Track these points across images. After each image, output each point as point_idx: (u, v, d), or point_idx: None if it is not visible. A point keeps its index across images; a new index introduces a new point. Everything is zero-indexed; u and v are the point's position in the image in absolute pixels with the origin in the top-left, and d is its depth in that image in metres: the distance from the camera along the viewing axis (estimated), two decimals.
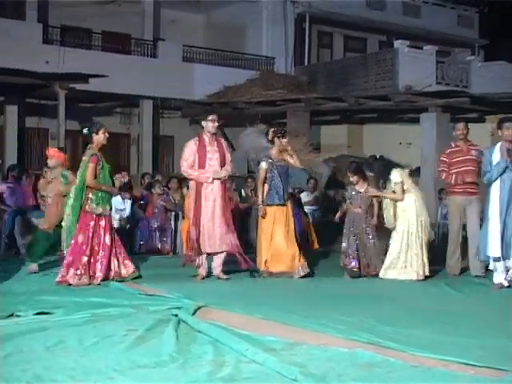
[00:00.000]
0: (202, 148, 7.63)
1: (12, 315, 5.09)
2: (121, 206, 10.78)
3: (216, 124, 7.78)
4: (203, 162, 7.57)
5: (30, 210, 10.19)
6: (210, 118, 7.77)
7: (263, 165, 8.15)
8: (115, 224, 10.68)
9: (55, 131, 16.33)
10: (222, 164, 7.67)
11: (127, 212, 10.81)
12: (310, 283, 7.44)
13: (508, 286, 7.06)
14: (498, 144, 7.23)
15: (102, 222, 7.14)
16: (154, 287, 6.65)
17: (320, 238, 11.17)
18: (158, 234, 11.03)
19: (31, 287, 6.69)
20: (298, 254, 7.97)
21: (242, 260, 7.65)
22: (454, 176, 8.19)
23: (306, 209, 12.01)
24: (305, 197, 12.43)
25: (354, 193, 8.37)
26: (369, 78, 19.34)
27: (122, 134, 19.78)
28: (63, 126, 15.61)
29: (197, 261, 7.61)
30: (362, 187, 8.34)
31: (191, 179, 7.70)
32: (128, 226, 10.76)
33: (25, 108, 17.17)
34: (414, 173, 13.76)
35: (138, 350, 4.09)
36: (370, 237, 8.19)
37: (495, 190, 7.10)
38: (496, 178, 7.07)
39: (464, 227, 8.40)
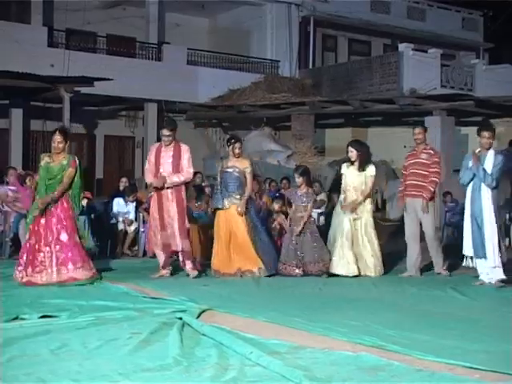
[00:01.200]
0: (159, 153, 7.94)
1: (16, 318, 5.10)
2: (124, 208, 10.81)
3: (170, 138, 7.97)
4: (158, 167, 7.89)
5: None
6: (163, 132, 8.08)
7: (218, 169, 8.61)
8: (120, 226, 10.75)
9: None
10: (176, 171, 7.87)
11: (131, 215, 10.84)
12: (315, 286, 7.43)
13: (489, 283, 7.59)
14: (477, 150, 7.72)
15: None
16: (158, 290, 6.64)
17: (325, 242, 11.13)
18: None
19: (36, 290, 6.69)
20: (253, 257, 8.14)
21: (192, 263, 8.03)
22: (406, 177, 8.58)
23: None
24: None
25: (298, 197, 8.52)
26: (373, 81, 19.33)
27: (126, 137, 19.84)
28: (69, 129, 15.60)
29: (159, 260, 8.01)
30: (303, 191, 8.50)
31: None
32: (133, 229, 10.78)
33: (30, 111, 17.23)
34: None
35: (142, 353, 4.09)
36: (309, 236, 8.34)
37: (468, 194, 7.75)
38: (468, 182, 7.69)
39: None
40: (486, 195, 7.58)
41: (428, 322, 5.30)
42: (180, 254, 8.04)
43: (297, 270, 8.29)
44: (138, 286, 7.04)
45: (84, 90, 15.59)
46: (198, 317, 5.19)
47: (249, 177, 8.36)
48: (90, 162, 19.07)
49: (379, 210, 14.76)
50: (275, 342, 4.36)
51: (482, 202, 7.58)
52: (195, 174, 12.01)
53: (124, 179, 11.83)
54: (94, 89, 15.57)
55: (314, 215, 12.08)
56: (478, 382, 3.59)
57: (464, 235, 7.80)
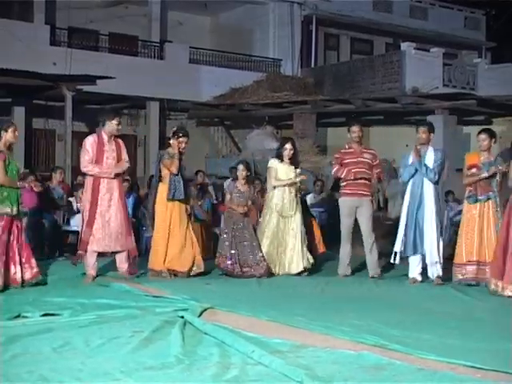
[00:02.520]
0: (101, 146, 7.49)
1: (19, 316, 5.11)
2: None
3: (120, 127, 7.63)
4: (101, 160, 7.43)
5: (36, 212, 10.19)
6: (115, 121, 7.54)
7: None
8: None
9: (62, 132, 16.40)
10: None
11: (129, 211, 10.78)
12: (316, 286, 7.43)
13: (421, 281, 7.68)
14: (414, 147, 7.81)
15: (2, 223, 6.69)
16: (160, 289, 6.64)
17: (326, 241, 11.13)
18: None
19: (38, 288, 6.70)
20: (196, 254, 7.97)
21: (128, 265, 7.56)
22: (344, 173, 8.27)
23: (313, 211, 11.97)
24: (311, 199, 12.41)
25: (237, 193, 8.35)
26: (375, 80, 19.32)
27: (128, 135, 19.80)
28: (70, 128, 15.65)
29: (88, 261, 7.40)
30: (244, 187, 8.38)
31: (91, 175, 7.45)
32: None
33: (32, 109, 17.25)
34: None
35: (144, 351, 4.09)
36: (247, 236, 8.19)
37: (407, 191, 7.78)
38: (408, 179, 7.73)
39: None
40: (428, 191, 7.63)
41: (430, 321, 5.30)
42: (119, 254, 7.58)
43: (228, 262, 8.07)
44: (141, 284, 7.05)
45: (86, 88, 15.59)
46: (200, 315, 5.19)
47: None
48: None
49: (381, 208, 14.74)
50: (277, 341, 4.36)
51: (423, 198, 7.63)
52: (197, 172, 12.01)
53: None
54: (96, 87, 15.58)
55: (316, 213, 12.09)
56: (480, 382, 3.59)
57: (398, 231, 7.78)
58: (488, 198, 7.41)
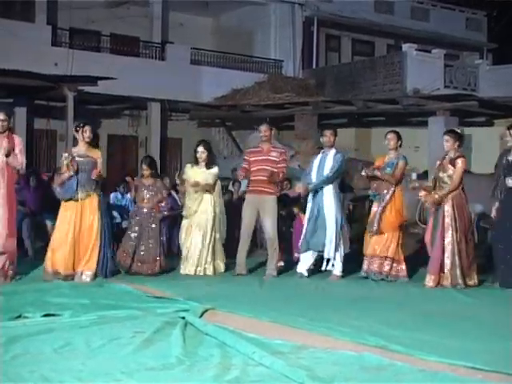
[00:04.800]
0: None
1: (20, 317, 5.11)
2: (119, 202, 10.91)
3: (5, 123, 7.27)
4: None
5: (38, 213, 10.20)
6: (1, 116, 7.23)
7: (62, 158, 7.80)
8: (117, 219, 10.71)
9: (63, 133, 16.40)
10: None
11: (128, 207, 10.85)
12: (317, 286, 7.43)
13: (307, 276, 8.04)
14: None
15: None
16: (161, 290, 6.64)
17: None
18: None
19: (39, 289, 6.70)
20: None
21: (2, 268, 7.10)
22: (251, 174, 8.36)
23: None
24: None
25: (144, 189, 8.35)
26: (377, 81, 19.31)
27: (129, 136, 19.84)
28: (71, 128, 15.62)
29: None
30: (149, 182, 8.39)
31: None
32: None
33: (33, 110, 17.25)
34: (422, 176, 13.74)
35: (145, 352, 4.09)
36: (151, 234, 8.16)
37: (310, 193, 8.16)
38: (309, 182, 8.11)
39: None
40: (326, 191, 7.98)
41: (431, 321, 5.30)
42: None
43: (127, 260, 8.01)
44: (142, 285, 7.05)
45: (87, 88, 15.62)
46: (201, 316, 5.19)
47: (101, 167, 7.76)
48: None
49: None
50: (278, 342, 4.35)
51: (322, 198, 7.97)
52: None
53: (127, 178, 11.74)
54: (98, 88, 15.60)
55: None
56: (481, 383, 3.58)
57: (303, 231, 8.16)
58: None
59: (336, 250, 7.90)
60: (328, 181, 7.99)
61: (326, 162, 8.11)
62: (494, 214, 7.67)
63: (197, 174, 8.45)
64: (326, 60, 23.18)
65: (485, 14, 26.06)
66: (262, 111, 18.58)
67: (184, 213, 8.50)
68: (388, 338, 4.42)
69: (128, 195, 10.86)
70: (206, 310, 5.40)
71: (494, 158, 8.19)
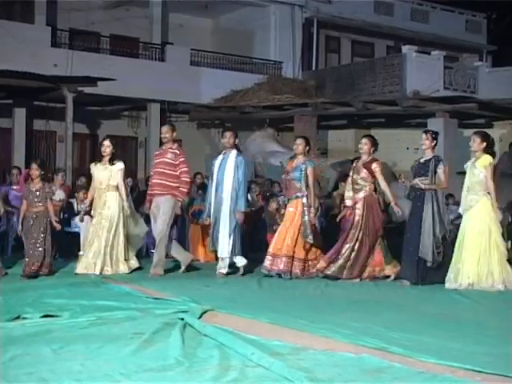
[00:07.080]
0: None
1: (18, 318, 5.11)
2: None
3: None
4: None
5: None
6: None
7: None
8: None
9: (63, 134, 16.39)
10: None
11: None
12: (316, 288, 7.43)
13: (227, 274, 8.26)
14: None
15: None
16: (160, 291, 6.64)
17: (325, 244, 11.10)
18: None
19: (38, 289, 6.70)
20: None
21: None
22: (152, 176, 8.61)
23: None
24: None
25: (34, 190, 8.15)
26: (376, 82, 19.31)
27: (129, 137, 19.83)
28: (71, 129, 15.65)
29: None
30: (37, 185, 8.15)
31: None
32: None
33: (33, 111, 17.25)
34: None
35: (144, 353, 4.09)
36: (40, 240, 8.02)
37: None
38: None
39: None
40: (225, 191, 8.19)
41: (430, 323, 5.29)
42: None
43: (33, 266, 7.93)
44: (141, 286, 7.05)
45: (87, 89, 15.60)
46: (200, 317, 5.18)
47: None
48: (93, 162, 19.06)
49: (382, 212, 14.70)
50: (277, 343, 4.35)
51: (222, 199, 8.17)
52: (196, 174, 11.97)
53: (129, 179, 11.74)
54: (97, 89, 15.58)
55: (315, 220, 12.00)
56: None
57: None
58: (296, 197, 8.25)
59: (233, 249, 8.18)
60: (241, 191, 8.19)
61: (227, 164, 8.23)
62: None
63: (99, 171, 8.51)
64: (326, 61, 23.19)
65: (484, 16, 26.09)
66: (261, 112, 18.59)
67: (92, 211, 8.50)
68: (387, 340, 4.41)
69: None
70: (205, 311, 5.39)
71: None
